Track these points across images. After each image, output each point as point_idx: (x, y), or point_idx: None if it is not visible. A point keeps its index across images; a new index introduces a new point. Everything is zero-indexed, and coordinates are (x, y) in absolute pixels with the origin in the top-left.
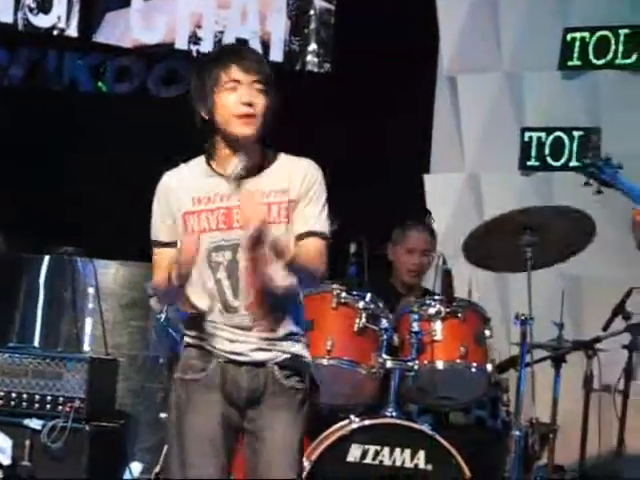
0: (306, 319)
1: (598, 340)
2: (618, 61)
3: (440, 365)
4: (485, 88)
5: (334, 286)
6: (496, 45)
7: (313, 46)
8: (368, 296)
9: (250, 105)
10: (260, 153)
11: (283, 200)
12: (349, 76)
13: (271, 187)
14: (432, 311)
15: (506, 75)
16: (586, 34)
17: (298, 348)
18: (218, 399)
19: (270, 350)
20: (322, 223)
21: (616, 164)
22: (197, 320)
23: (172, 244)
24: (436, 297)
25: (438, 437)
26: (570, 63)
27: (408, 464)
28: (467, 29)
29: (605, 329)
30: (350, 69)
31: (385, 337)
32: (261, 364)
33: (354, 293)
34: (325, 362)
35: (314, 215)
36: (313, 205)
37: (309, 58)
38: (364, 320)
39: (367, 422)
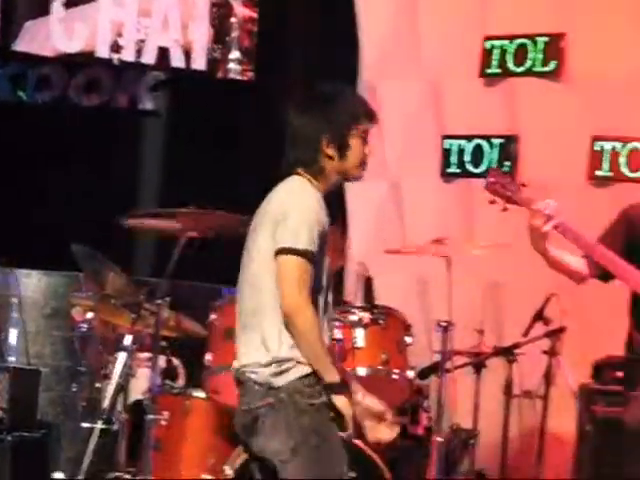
0: (228, 327)
1: (518, 346)
2: (537, 69)
3: (362, 372)
4: (406, 96)
5: None
6: (417, 53)
7: (235, 54)
8: None
9: None
10: None
11: None
12: (273, 84)
13: None
14: (354, 318)
15: (427, 83)
16: (505, 42)
17: None
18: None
19: None
20: None
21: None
22: None
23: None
24: (357, 304)
25: (359, 443)
26: (489, 71)
27: None
28: (388, 38)
29: (525, 335)
30: (274, 76)
31: None
32: None
33: None
34: None
35: None
36: None
37: (231, 66)
38: None
39: None
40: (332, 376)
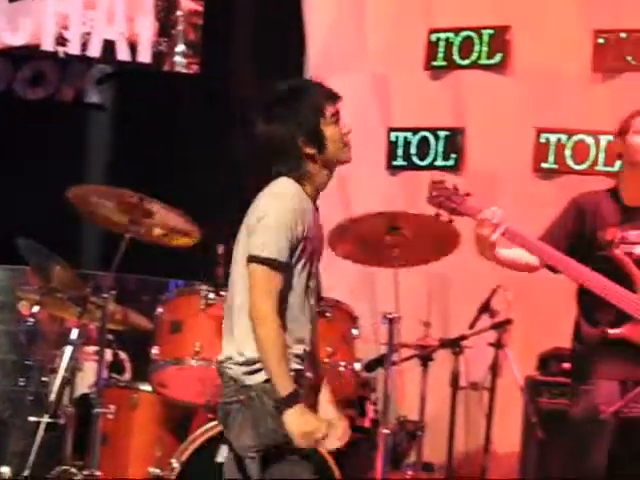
0: (175, 320)
1: (464, 338)
2: (482, 61)
3: None
4: (352, 88)
5: (202, 287)
6: (363, 46)
7: (181, 47)
8: None
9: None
10: None
11: None
12: (218, 77)
13: None
14: None
15: (373, 75)
16: (451, 34)
17: None
18: None
19: None
20: None
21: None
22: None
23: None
24: None
25: None
26: (435, 63)
27: None
28: (334, 30)
29: (471, 327)
30: (220, 69)
31: None
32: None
33: (222, 294)
34: (194, 363)
35: None
36: None
37: (177, 59)
38: None
39: None
40: (283, 390)
